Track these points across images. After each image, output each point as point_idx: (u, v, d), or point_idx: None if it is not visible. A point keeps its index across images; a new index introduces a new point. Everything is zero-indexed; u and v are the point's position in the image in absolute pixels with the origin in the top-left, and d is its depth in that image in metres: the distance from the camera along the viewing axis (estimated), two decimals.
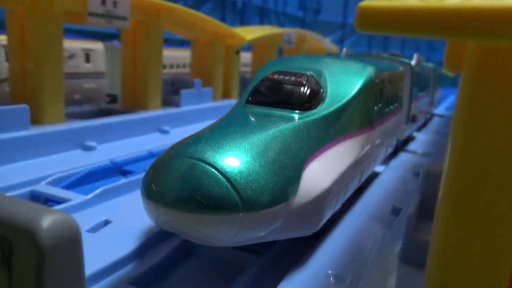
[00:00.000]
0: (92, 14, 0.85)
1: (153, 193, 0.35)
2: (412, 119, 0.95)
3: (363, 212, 0.56)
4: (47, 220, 0.20)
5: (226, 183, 0.34)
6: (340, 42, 3.45)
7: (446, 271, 0.24)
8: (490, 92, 0.22)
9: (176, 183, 0.35)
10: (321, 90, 0.51)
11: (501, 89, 0.21)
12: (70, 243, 0.21)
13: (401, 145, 0.96)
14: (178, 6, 1.06)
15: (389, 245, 0.42)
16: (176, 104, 1.12)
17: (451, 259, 0.23)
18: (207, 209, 0.34)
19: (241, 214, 0.34)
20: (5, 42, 0.87)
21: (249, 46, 1.68)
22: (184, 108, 1.11)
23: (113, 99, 1.25)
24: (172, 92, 1.20)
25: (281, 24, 2.99)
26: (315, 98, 0.49)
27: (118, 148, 0.83)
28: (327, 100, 0.50)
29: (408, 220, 0.36)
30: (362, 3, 0.22)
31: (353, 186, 0.54)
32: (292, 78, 0.50)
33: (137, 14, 0.97)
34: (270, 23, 2.91)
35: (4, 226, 0.20)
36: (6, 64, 0.89)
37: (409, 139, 1.07)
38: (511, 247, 0.22)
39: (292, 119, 0.46)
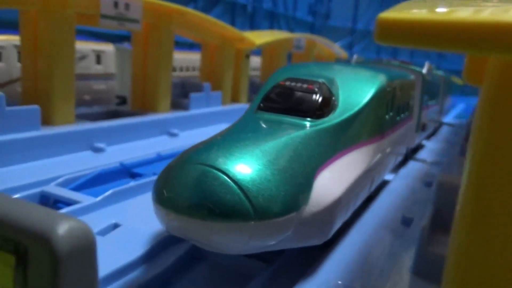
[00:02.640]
0: (104, 16, 0.85)
1: (165, 199, 0.35)
2: (422, 127, 0.95)
3: (373, 222, 0.56)
4: (63, 227, 0.20)
5: (238, 191, 0.34)
6: (349, 47, 3.45)
7: (464, 286, 0.23)
8: (508, 109, 0.21)
9: (187, 190, 0.34)
10: (333, 98, 0.50)
11: None
12: (85, 251, 0.21)
13: (410, 154, 0.96)
14: (189, 10, 1.06)
15: (400, 257, 0.41)
16: (185, 107, 1.12)
17: (469, 275, 0.23)
18: (219, 216, 0.33)
19: (252, 223, 0.34)
20: (17, 42, 0.87)
21: (259, 51, 1.68)
22: (193, 111, 1.11)
23: (122, 100, 1.25)
24: (182, 95, 1.20)
25: (290, 29, 2.99)
26: (327, 106, 0.49)
27: (127, 150, 0.84)
28: (339, 108, 0.50)
29: (421, 233, 0.35)
30: (382, 14, 0.22)
31: (363, 195, 0.54)
32: (304, 85, 0.50)
33: (148, 17, 0.98)
34: (279, 27, 2.91)
35: (20, 231, 0.20)
36: (18, 64, 0.90)
37: (418, 147, 1.07)
38: None
39: (304, 126, 0.45)
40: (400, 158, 0.79)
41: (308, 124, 0.46)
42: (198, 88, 1.19)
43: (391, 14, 0.22)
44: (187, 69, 1.48)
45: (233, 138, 0.40)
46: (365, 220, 0.56)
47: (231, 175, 0.35)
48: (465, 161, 0.24)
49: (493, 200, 0.22)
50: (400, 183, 0.75)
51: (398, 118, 0.67)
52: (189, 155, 0.38)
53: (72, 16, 0.79)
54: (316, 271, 0.42)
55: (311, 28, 3.30)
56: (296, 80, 0.51)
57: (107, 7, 0.85)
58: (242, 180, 0.35)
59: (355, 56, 1.03)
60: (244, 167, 0.36)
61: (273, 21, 2.88)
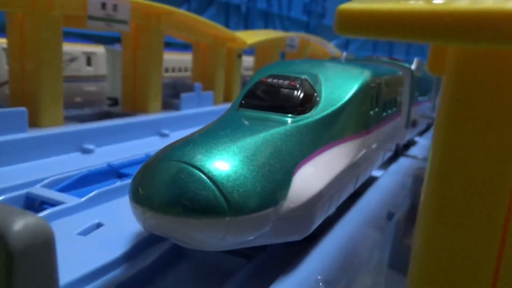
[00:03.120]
0: (91, 18, 0.85)
1: (140, 196, 0.35)
2: (413, 123, 0.94)
3: (358, 217, 0.56)
4: (19, 223, 0.20)
5: (213, 187, 0.34)
6: (345, 46, 3.45)
7: (428, 276, 0.23)
8: (470, 95, 0.21)
9: (162, 187, 0.34)
10: (315, 94, 0.50)
11: (481, 92, 0.21)
12: (42, 247, 0.20)
13: (402, 150, 0.96)
14: (178, 10, 1.06)
15: (381, 250, 0.41)
16: (176, 108, 1.12)
17: (432, 264, 0.23)
18: (193, 212, 0.33)
19: (227, 218, 0.34)
20: (5, 45, 0.87)
21: (252, 50, 1.68)
22: (184, 112, 1.11)
23: (114, 102, 1.25)
24: (173, 95, 1.20)
25: (285, 28, 2.99)
26: (309, 102, 0.49)
27: (116, 151, 0.83)
28: (321, 104, 0.50)
29: (396, 226, 0.35)
30: (342, 6, 0.22)
31: (348, 191, 0.54)
32: (286, 82, 0.50)
33: (137, 18, 0.97)
34: (274, 27, 2.91)
35: None
36: (7, 67, 0.89)
37: (410, 143, 1.07)
38: (492, 251, 0.22)
39: (285, 123, 0.45)
40: (389, 154, 0.79)
41: (289, 120, 0.46)
42: (189, 88, 1.19)
43: (350, 5, 0.22)
44: (180, 70, 1.48)
45: (211, 135, 0.40)
46: (350, 216, 0.56)
47: (206, 171, 0.35)
48: (429, 151, 0.24)
49: (454, 190, 0.22)
50: (388, 179, 0.75)
51: (384, 114, 0.67)
52: (165, 152, 0.38)
53: (58, 17, 0.79)
54: (297, 266, 0.42)
55: (306, 28, 3.30)
56: (278, 76, 0.51)
57: (94, 8, 0.85)
58: (217, 176, 0.35)
59: (344, 54, 1.03)
60: (220, 163, 0.36)
61: (267, 21, 2.88)
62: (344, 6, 0.22)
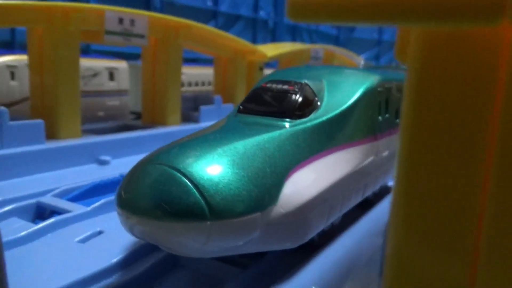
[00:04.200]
0: (109, 33, 0.87)
1: (124, 200, 0.35)
2: None
3: (367, 227, 0.54)
4: None
5: (194, 190, 0.33)
6: (376, 59, 3.41)
7: (399, 280, 0.22)
8: (434, 82, 0.20)
9: (143, 190, 0.34)
10: (316, 99, 0.49)
11: (445, 78, 0.20)
12: None
13: None
14: (195, 23, 1.07)
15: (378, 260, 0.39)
16: (195, 120, 1.13)
17: (402, 267, 0.21)
18: (173, 216, 0.33)
19: (208, 222, 0.33)
20: None
21: (276, 63, 1.68)
22: (203, 124, 1.11)
23: (137, 116, 1.27)
24: (194, 108, 1.21)
25: (313, 42, 2.99)
26: (308, 106, 0.48)
27: (132, 162, 0.83)
28: (321, 109, 0.48)
29: (386, 231, 0.33)
30: None
31: (354, 199, 0.51)
32: (285, 87, 0.49)
33: (155, 32, 0.99)
34: (302, 41, 2.91)
35: None
36: None
37: None
38: (464, 257, 0.20)
39: (281, 127, 0.44)
40: None
41: (286, 124, 0.45)
42: (210, 101, 1.19)
43: None
44: (203, 84, 1.49)
45: (200, 139, 0.40)
46: (358, 226, 0.54)
47: (187, 174, 0.34)
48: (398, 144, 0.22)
49: (421, 180, 0.20)
50: None
51: (398, 120, 0.64)
52: (151, 157, 0.37)
53: (76, 32, 0.81)
54: (293, 275, 0.40)
55: (336, 41, 3.28)
56: (278, 82, 0.50)
57: (112, 23, 0.87)
58: (199, 179, 0.34)
59: (362, 62, 1.01)
60: (203, 165, 0.35)
61: (295, 35, 2.89)
62: None
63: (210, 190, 0.33)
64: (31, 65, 0.83)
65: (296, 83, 0.49)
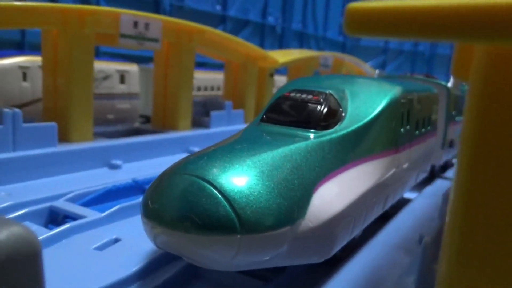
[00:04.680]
0: (124, 36, 0.87)
1: (150, 211, 0.34)
2: (450, 144, 0.90)
3: (387, 241, 0.53)
4: (3, 233, 0.19)
5: (224, 202, 0.32)
6: (382, 66, 3.40)
7: None
8: (499, 100, 0.19)
9: (172, 201, 0.33)
10: (340, 109, 0.48)
11: (510, 96, 0.19)
12: (27, 258, 0.19)
13: (438, 172, 0.91)
14: (209, 28, 1.07)
15: (410, 276, 0.38)
16: (206, 125, 1.12)
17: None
18: (203, 229, 0.32)
19: (239, 236, 0.32)
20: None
21: (285, 70, 1.67)
22: (213, 129, 1.11)
23: (146, 120, 1.26)
24: (204, 113, 1.20)
25: (320, 49, 2.99)
26: (333, 117, 0.47)
27: (143, 167, 0.83)
28: (346, 120, 0.47)
29: (423, 249, 0.32)
30: (351, 5, 0.20)
31: (376, 212, 0.50)
32: (309, 97, 0.48)
33: (168, 36, 0.99)
34: (309, 47, 2.91)
35: None
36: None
37: (448, 165, 1.01)
38: None
39: (307, 138, 0.43)
40: (423, 175, 0.75)
41: (311, 135, 0.44)
42: (220, 106, 1.19)
43: (361, 3, 0.20)
44: (212, 89, 1.49)
45: (227, 149, 0.39)
46: (378, 239, 0.53)
47: (217, 186, 0.33)
48: (456, 164, 0.21)
49: (484, 202, 0.19)
50: (423, 202, 0.71)
51: (417, 132, 0.64)
52: (178, 166, 0.36)
53: (91, 35, 0.81)
54: None
55: (343, 48, 3.28)
56: (302, 91, 0.50)
57: (127, 26, 0.87)
58: (229, 191, 0.33)
59: (377, 71, 1.00)
60: (233, 177, 0.34)
61: (302, 41, 2.88)
62: (354, 4, 0.20)
63: (241, 202, 0.32)
64: (44, 66, 0.82)
65: (320, 93, 0.49)
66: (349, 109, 0.49)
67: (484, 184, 0.20)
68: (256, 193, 0.34)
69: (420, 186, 0.79)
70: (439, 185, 0.84)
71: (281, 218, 0.34)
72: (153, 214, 0.34)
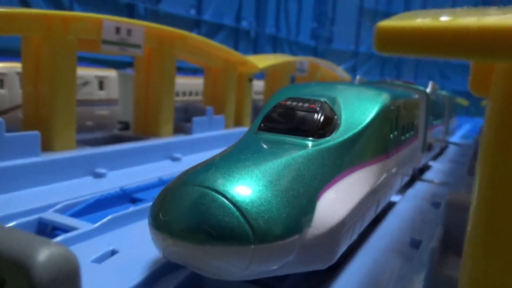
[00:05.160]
0: (106, 42, 0.86)
1: (161, 222, 0.34)
2: (428, 147, 0.93)
3: (380, 244, 0.54)
4: (43, 254, 0.18)
5: (237, 213, 0.33)
6: (352, 70, 3.46)
7: None
8: None
9: (184, 213, 0.33)
10: (335, 117, 0.49)
11: None
12: (68, 279, 0.19)
13: (417, 174, 0.94)
14: (191, 34, 1.07)
15: (409, 280, 0.39)
16: (188, 131, 1.11)
17: None
18: (217, 240, 0.32)
19: (252, 246, 0.32)
20: (19, 69, 0.88)
21: (262, 74, 1.69)
22: (196, 135, 1.10)
23: (125, 126, 1.25)
24: (185, 119, 1.19)
25: (293, 53, 3.02)
26: (329, 125, 0.48)
27: (128, 175, 0.82)
28: (341, 127, 0.49)
29: (431, 254, 0.34)
30: (381, 23, 0.21)
31: (370, 217, 0.52)
32: (306, 105, 0.49)
33: (150, 42, 0.98)
34: (282, 51, 2.93)
35: None
36: (21, 91, 0.90)
37: (425, 168, 1.05)
38: None
39: (306, 146, 0.44)
40: (407, 179, 0.77)
41: (310, 143, 0.45)
42: (201, 112, 1.18)
43: (391, 22, 0.21)
44: (190, 94, 1.48)
45: (232, 159, 0.39)
46: (372, 243, 0.54)
47: (229, 196, 0.33)
48: (475, 178, 0.23)
49: (507, 217, 0.20)
50: (407, 205, 0.73)
51: (403, 137, 0.66)
52: (186, 177, 0.36)
53: (74, 42, 0.79)
54: None
55: (314, 52, 3.32)
56: (297, 99, 0.50)
57: (109, 32, 0.86)
58: (241, 202, 0.33)
59: (358, 77, 1.02)
60: (243, 188, 0.34)
61: (276, 45, 2.91)
62: (384, 23, 0.21)
63: (253, 213, 0.33)
64: (25, 74, 0.80)
65: (316, 101, 0.49)
66: (343, 116, 0.50)
67: (505, 196, 0.21)
68: (266, 203, 0.34)
69: (402, 188, 0.81)
70: (420, 188, 0.87)
71: (291, 227, 0.35)
72: (164, 226, 0.34)
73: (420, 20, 0.20)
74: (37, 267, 0.18)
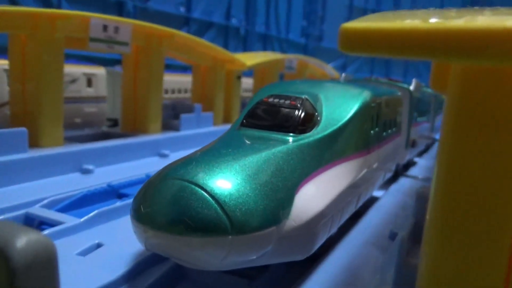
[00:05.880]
0: (93, 40, 0.86)
1: (142, 215, 0.35)
2: (412, 144, 0.95)
3: (360, 237, 0.56)
4: (21, 240, 0.20)
5: (215, 205, 0.34)
6: (342, 68, 3.49)
7: None
8: (474, 113, 0.21)
9: (164, 205, 0.34)
10: (316, 114, 0.51)
11: (485, 110, 0.21)
12: (45, 264, 0.20)
13: (402, 170, 0.96)
14: (179, 32, 1.07)
15: (383, 271, 0.41)
16: (176, 128, 1.12)
17: (439, 283, 0.23)
18: (196, 231, 0.33)
19: (230, 237, 0.33)
20: (6, 67, 0.88)
21: (251, 72, 1.70)
22: (183, 132, 1.11)
23: (114, 123, 1.25)
24: (173, 116, 1.20)
25: (283, 51, 3.03)
26: (310, 121, 0.49)
27: (116, 171, 0.83)
28: (322, 124, 0.50)
29: (400, 244, 0.35)
30: (345, 24, 0.22)
31: (350, 211, 0.53)
32: (287, 102, 0.50)
33: (138, 40, 0.99)
34: (273, 49, 2.95)
35: None
36: (7, 88, 0.90)
37: (410, 164, 1.07)
38: (499, 269, 0.21)
39: (286, 142, 0.45)
40: (389, 174, 0.78)
41: (290, 139, 0.46)
42: (189, 109, 1.19)
43: (353, 23, 0.22)
44: (179, 91, 1.49)
45: (213, 153, 0.40)
46: (352, 236, 0.56)
47: (208, 189, 0.35)
48: (433, 170, 0.24)
49: (459, 208, 0.22)
50: (389, 200, 0.75)
51: (385, 133, 0.67)
52: (167, 171, 0.38)
53: (61, 39, 0.80)
54: (300, 287, 0.41)
55: (304, 50, 3.34)
56: (279, 96, 0.52)
57: (96, 30, 0.86)
58: (220, 195, 0.34)
59: (343, 75, 1.04)
60: (222, 181, 0.36)
61: (266, 43, 2.92)
62: (348, 24, 0.22)
63: (230, 205, 0.34)
64: (12, 71, 0.80)
65: (297, 98, 0.51)
66: (324, 113, 0.52)
67: (459, 187, 0.22)
68: (244, 196, 0.35)
69: (386, 184, 0.83)
70: (403, 183, 0.88)
71: (268, 219, 0.36)
72: (145, 218, 0.35)
73: (381, 22, 0.22)
74: (16, 253, 0.19)
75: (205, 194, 0.34)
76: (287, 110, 0.49)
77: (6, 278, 0.19)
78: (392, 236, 0.55)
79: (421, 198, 0.40)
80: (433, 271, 0.23)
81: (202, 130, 1.18)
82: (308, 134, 0.48)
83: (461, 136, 0.22)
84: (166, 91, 1.43)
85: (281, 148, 0.43)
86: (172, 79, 1.46)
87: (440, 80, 0.24)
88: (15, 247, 0.19)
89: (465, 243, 0.22)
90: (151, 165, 0.90)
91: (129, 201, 0.64)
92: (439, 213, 0.23)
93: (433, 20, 0.19)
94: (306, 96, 0.51)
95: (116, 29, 0.91)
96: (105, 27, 0.88)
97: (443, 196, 0.22)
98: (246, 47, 2.70)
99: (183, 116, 1.13)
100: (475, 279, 0.22)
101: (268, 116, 0.49)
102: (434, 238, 0.23)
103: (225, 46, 2.48)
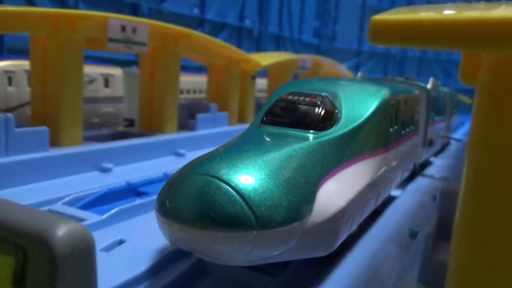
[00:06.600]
0: (112, 40, 0.87)
1: (167, 209, 0.36)
2: (429, 143, 0.94)
3: (380, 235, 0.55)
4: (62, 229, 0.20)
5: (240, 200, 0.34)
6: (355, 68, 3.47)
7: None
8: (507, 105, 0.21)
9: (190, 200, 0.35)
10: (336, 111, 0.51)
11: None
12: (84, 253, 0.21)
13: (418, 170, 0.95)
14: (195, 32, 1.08)
15: (407, 267, 0.41)
16: (192, 128, 1.13)
17: (469, 281, 0.23)
18: (221, 226, 0.33)
19: (255, 232, 0.34)
20: (27, 67, 0.89)
21: (265, 72, 1.70)
22: (199, 132, 1.12)
23: (130, 123, 1.27)
24: (189, 116, 1.21)
25: (296, 51, 3.03)
26: (330, 118, 0.49)
27: (134, 170, 0.84)
28: (341, 121, 0.50)
29: (425, 240, 0.35)
30: (375, 17, 0.22)
31: (369, 208, 0.53)
32: (307, 99, 0.50)
33: (155, 40, 1.00)
34: (285, 50, 2.95)
35: (19, 235, 0.20)
36: (28, 89, 0.92)
37: (426, 163, 1.06)
38: None
39: (307, 138, 0.46)
40: (407, 173, 0.78)
41: (311, 136, 0.46)
42: (205, 109, 1.20)
43: (383, 15, 0.23)
44: (194, 92, 1.50)
45: (236, 150, 0.41)
46: (372, 234, 0.55)
47: (233, 185, 0.35)
48: (463, 166, 0.24)
49: (490, 205, 0.22)
50: (407, 199, 0.75)
51: (403, 132, 0.67)
52: (191, 167, 0.38)
53: (80, 40, 0.81)
54: (322, 284, 0.41)
55: (317, 51, 3.34)
56: (299, 94, 0.52)
57: (115, 31, 0.87)
58: (244, 190, 0.35)
59: (359, 74, 1.03)
60: (247, 177, 0.36)
61: (279, 44, 2.92)
62: (378, 16, 0.22)
63: (255, 200, 0.34)
64: (33, 71, 0.82)
65: (317, 95, 0.51)
66: (344, 110, 0.52)
67: (491, 182, 0.22)
68: (268, 191, 0.36)
69: (403, 184, 0.83)
70: (420, 182, 0.88)
71: (291, 214, 0.36)
72: (171, 213, 0.35)
73: (410, 14, 0.22)
74: (57, 241, 0.19)
75: (230, 189, 0.34)
76: (307, 107, 0.49)
77: (47, 266, 0.19)
78: (413, 234, 0.55)
79: (445, 195, 0.40)
80: (463, 270, 0.23)
81: (218, 129, 1.18)
82: (328, 131, 0.48)
83: (493, 130, 0.22)
84: (182, 92, 1.45)
85: (302, 144, 0.44)
86: (186, 80, 1.48)
87: (470, 72, 0.24)
88: (56, 235, 0.19)
89: (497, 242, 0.22)
90: (168, 164, 0.91)
91: (149, 199, 0.64)
92: (469, 212, 0.22)
93: (467, 11, 0.19)
94: (326, 94, 0.52)
95: (134, 30, 0.92)
96: (123, 28, 0.89)
97: (474, 194, 0.22)
98: (259, 48, 2.71)
99: (199, 116, 1.14)
100: (508, 280, 0.22)
101: (288, 114, 0.50)
102: (465, 237, 0.23)
103: (239, 47, 2.49)
